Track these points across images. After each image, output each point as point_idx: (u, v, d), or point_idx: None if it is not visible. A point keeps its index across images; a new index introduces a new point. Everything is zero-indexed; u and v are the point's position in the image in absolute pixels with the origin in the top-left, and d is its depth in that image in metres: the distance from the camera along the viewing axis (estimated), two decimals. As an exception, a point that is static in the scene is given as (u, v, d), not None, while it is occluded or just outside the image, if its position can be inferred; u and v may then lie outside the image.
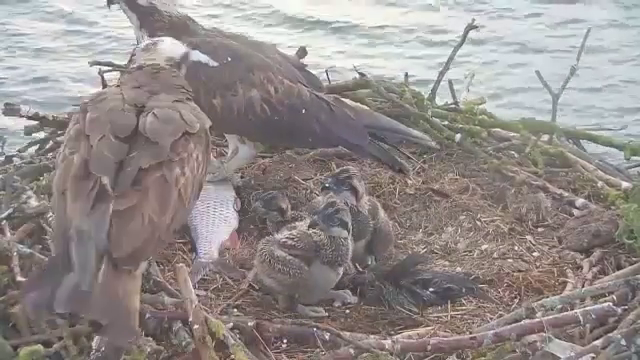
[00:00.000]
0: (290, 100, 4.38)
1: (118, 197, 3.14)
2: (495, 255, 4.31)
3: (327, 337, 3.44)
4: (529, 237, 4.48)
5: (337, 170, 4.32)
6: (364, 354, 3.34)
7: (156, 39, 3.97)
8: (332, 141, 4.56)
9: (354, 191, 4.13)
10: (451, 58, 5.66)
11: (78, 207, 3.13)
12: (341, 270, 3.87)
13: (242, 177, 4.76)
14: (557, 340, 3.38)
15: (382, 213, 4.25)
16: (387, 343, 3.38)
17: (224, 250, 4.21)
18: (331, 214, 3.85)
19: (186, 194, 3.31)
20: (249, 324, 3.44)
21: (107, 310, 3.01)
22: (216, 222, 4.30)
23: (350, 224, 3.91)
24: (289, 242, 3.81)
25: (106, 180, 3.15)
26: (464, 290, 3.94)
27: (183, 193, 3.29)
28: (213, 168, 4.55)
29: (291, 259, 3.78)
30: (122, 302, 3.04)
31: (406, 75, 5.80)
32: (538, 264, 4.23)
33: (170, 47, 3.89)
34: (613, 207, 4.51)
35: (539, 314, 3.60)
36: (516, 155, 5.19)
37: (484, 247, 4.39)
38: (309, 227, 3.86)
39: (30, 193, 4.16)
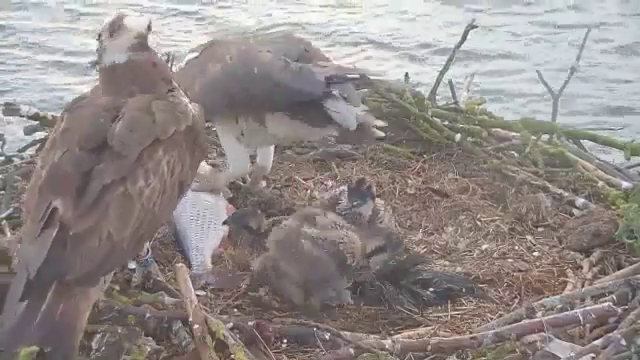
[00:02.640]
0: (244, 60, 4.27)
1: (78, 217, 3.06)
2: (495, 255, 4.31)
3: (327, 337, 3.43)
4: (529, 237, 4.48)
5: (353, 184, 4.14)
6: (364, 354, 3.33)
7: (119, 14, 3.49)
8: (286, 94, 4.21)
9: (373, 198, 4.11)
10: (451, 58, 5.67)
11: (30, 231, 3.11)
12: None
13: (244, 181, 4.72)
14: (557, 340, 3.37)
15: (386, 217, 4.17)
16: (387, 343, 3.38)
17: (219, 254, 4.15)
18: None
19: (150, 204, 3.19)
20: (249, 324, 3.43)
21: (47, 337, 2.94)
22: (207, 230, 4.22)
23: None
24: (320, 241, 3.77)
25: (58, 204, 3.08)
26: (464, 290, 3.93)
27: (146, 204, 3.18)
28: (203, 179, 4.41)
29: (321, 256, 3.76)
30: (67, 326, 3.00)
31: (406, 75, 5.80)
32: (538, 264, 4.23)
33: (136, 21, 3.46)
34: (613, 207, 4.51)
35: (539, 314, 3.59)
36: (516, 155, 5.19)
37: (484, 247, 4.39)
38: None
39: (30, 193, 4.15)
